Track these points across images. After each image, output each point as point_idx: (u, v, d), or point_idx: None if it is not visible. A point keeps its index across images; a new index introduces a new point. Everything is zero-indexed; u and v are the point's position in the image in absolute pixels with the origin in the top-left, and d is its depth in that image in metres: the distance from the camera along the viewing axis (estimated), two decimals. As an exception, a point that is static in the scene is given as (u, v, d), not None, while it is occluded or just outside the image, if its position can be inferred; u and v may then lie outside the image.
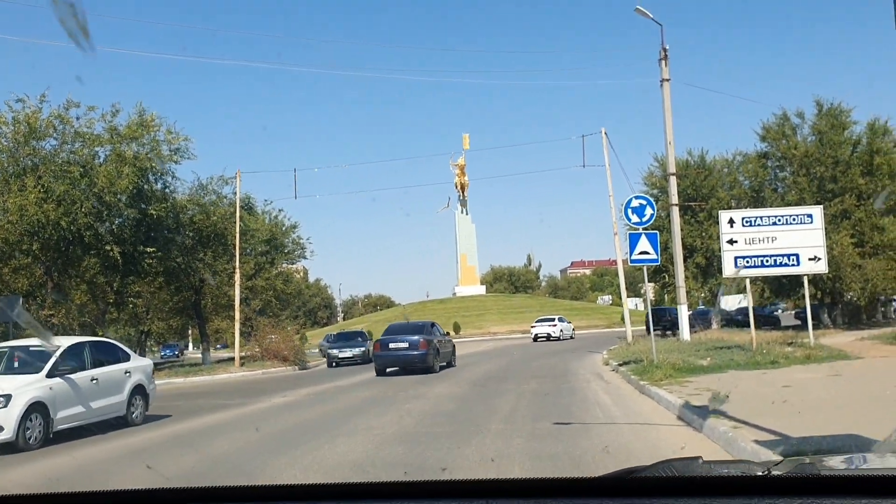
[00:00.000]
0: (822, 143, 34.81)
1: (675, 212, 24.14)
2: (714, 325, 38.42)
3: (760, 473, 1.90)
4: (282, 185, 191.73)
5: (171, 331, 33.22)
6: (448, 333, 30.34)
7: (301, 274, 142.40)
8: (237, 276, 28.23)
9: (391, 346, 22.37)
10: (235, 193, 29.44)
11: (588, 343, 38.32)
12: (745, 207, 36.61)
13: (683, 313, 24.09)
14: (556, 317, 52.89)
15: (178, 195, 27.93)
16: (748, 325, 40.00)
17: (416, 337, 22.34)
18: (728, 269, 17.99)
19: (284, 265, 41.33)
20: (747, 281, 21.08)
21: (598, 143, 26.84)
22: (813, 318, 43.93)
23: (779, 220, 17.84)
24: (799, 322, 48.52)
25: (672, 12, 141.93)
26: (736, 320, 43.25)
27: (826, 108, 35.64)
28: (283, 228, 40.91)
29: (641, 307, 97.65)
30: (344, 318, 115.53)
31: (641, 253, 16.21)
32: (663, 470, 1.97)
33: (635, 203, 16.48)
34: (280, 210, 40.91)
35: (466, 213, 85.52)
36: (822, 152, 34.42)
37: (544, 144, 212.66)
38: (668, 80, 22.85)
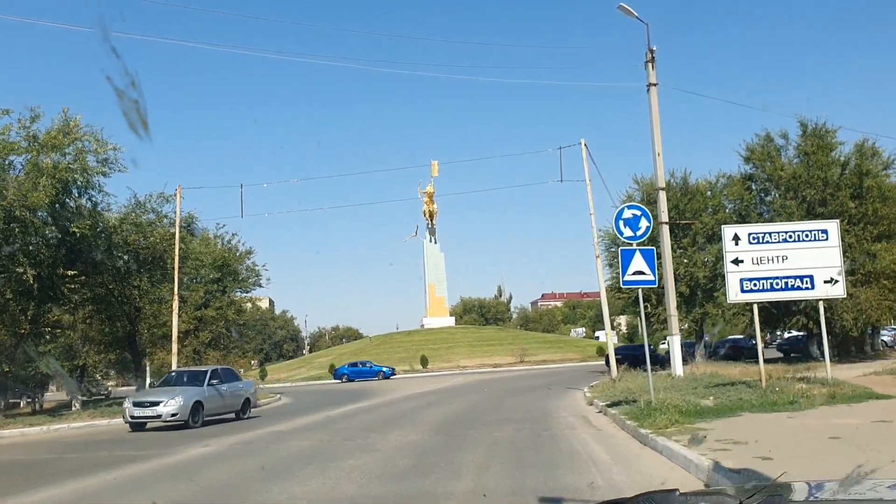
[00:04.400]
0: (808, 165, 32.93)
1: (665, 231, 21.75)
2: (698, 359, 36.04)
3: None
4: (235, 208, 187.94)
5: (110, 364, 29.80)
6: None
7: (266, 305, 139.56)
8: (175, 305, 25.16)
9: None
10: (176, 213, 26.50)
11: (564, 378, 35.66)
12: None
13: (676, 345, 21.62)
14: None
15: (112, 213, 24.91)
16: (734, 359, 38.02)
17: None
18: (733, 294, 15.48)
19: (239, 294, 38.27)
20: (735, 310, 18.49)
21: (577, 156, 24.40)
22: (800, 351, 42.09)
23: (790, 237, 15.39)
24: (781, 355, 46.50)
25: (660, 11, 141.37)
26: (719, 353, 40.99)
27: (811, 128, 33.85)
28: (238, 254, 38.00)
29: (615, 340, 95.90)
30: (311, 351, 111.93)
31: (636, 273, 13.65)
32: (645, 501, 2.02)
33: (628, 214, 13.94)
34: (234, 234, 38.02)
35: (435, 242, 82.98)
36: (810, 174, 32.48)
37: (518, 159, 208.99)
38: (655, 84, 20.56)
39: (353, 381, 51.43)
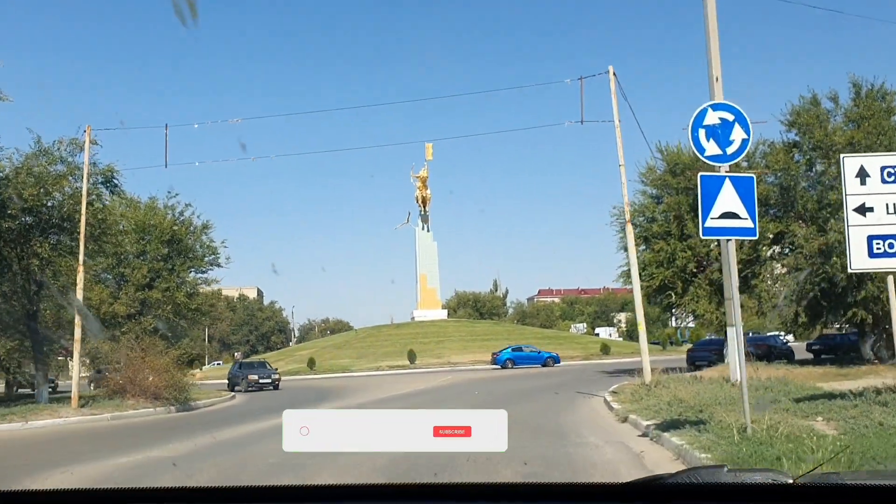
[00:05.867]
0: (867, 131, 27.59)
1: None
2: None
3: (789, 481, 1.85)
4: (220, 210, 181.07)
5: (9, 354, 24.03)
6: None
7: (254, 295, 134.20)
8: (80, 278, 19.63)
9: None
10: (92, 164, 21.01)
11: (571, 379, 30.25)
12: (775, 208, 29.21)
13: (737, 339, 16.14)
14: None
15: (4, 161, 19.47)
16: (763, 359, 32.68)
17: None
18: (859, 259, 10.01)
19: (194, 274, 32.76)
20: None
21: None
22: (851, 350, 36.45)
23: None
24: (811, 355, 41.18)
25: None
26: (749, 353, 35.59)
27: (866, 89, 28.54)
28: (192, 228, 32.48)
29: (616, 337, 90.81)
30: (300, 343, 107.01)
31: (725, 216, 8.23)
32: (689, 477, 1.95)
33: (713, 118, 8.48)
34: (187, 205, 32.45)
35: (428, 230, 77.50)
36: (871, 140, 27.09)
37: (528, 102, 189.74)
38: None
39: (517, 366, 46.26)
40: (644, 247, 30.48)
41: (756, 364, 29.17)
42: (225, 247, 33.02)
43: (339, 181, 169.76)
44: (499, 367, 47.16)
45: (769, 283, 29.85)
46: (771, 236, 28.78)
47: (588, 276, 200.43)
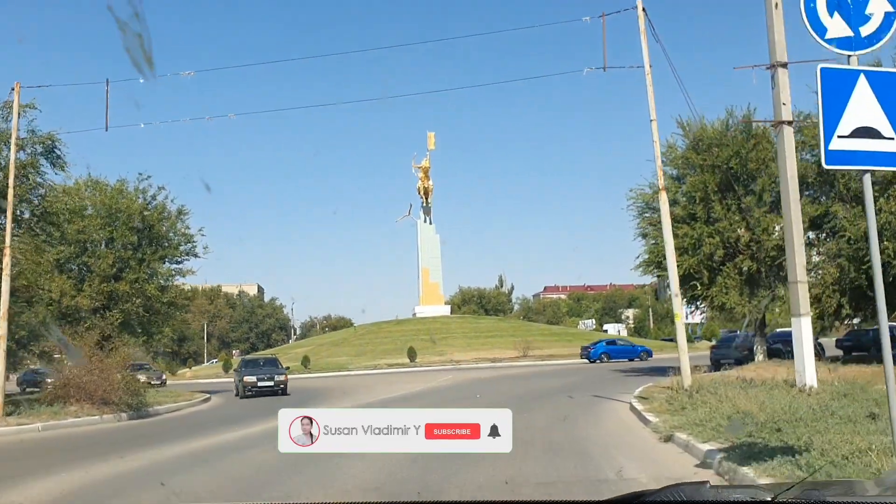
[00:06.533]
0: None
1: (789, 135, 13.15)
2: (760, 357, 27.59)
3: (768, 499, 1.86)
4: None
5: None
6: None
7: (255, 292, 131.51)
8: (6, 261, 16.59)
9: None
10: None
11: (584, 379, 27.20)
12: (813, 188, 26.05)
13: (805, 333, 13.20)
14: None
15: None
16: (792, 356, 29.63)
17: None
18: None
19: (168, 265, 29.76)
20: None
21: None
22: (865, 348, 33.37)
23: None
24: (840, 352, 38.02)
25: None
26: (775, 350, 32.37)
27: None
28: (166, 214, 29.48)
29: (624, 333, 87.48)
30: (301, 340, 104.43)
31: (858, 133, 5.16)
32: (672, 494, 1.93)
33: (838, -20, 5.39)
34: (160, 189, 29.44)
35: (430, 223, 74.42)
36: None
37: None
38: None
39: (612, 360, 44.05)
40: (665, 233, 27.37)
41: (784, 363, 26.20)
42: (203, 234, 30.01)
43: (339, 175, 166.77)
44: (591, 361, 44.98)
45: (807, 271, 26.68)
46: (808, 220, 25.60)
47: (594, 273, 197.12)
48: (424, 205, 74.30)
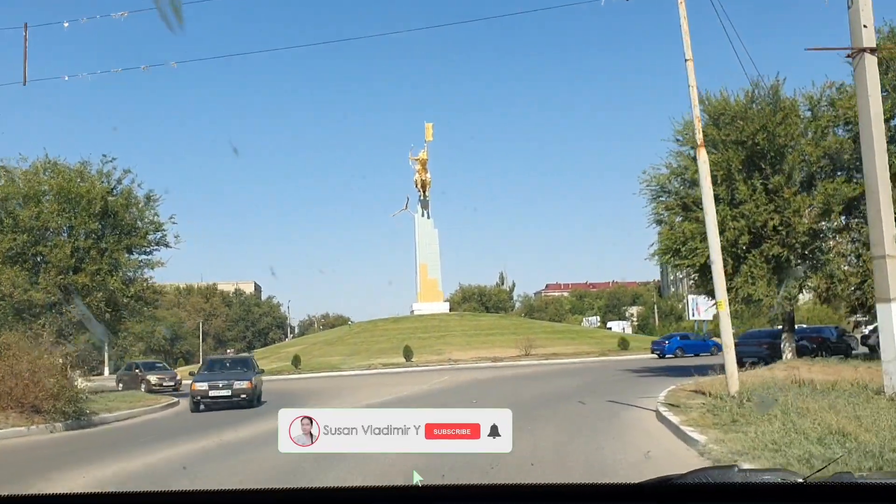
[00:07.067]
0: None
1: (871, 65, 10.36)
2: (788, 355, 24.89)
3: (800, 481, 1.85)
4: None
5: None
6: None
7: (251, 290, 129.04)
8: None
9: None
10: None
11: (594, 381, 24.49)
12: (845, 166, 23.34)
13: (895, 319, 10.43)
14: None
15: None
16: (817, 354, 26.91)
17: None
18: None
19: (136, 256, 27.09)
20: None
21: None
22: None
23: None
24: (865, 349, 35.35)
25: None
26: (803, 347, 29.60)
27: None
28: (133, 199, 26.81)
29: (628, 331, 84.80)
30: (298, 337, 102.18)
31: None
32: (700, 477, 1.94)
33: None
34: (126, 171, 26.77)
35: (428, 217, 71.70)
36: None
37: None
38: None
39: (687, 355, 42.04)
40: (681, 217, 24.69)
41: (818, 361, 23.56)
42: (174, 222, 27.33)
43: (336, 169, 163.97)
44: (662, 357, 43.11)
45: (839, 258, 24.00)
46: (843, 203, 22.87)
47: (597, 270, 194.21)
48: (422, 198, 71.63)
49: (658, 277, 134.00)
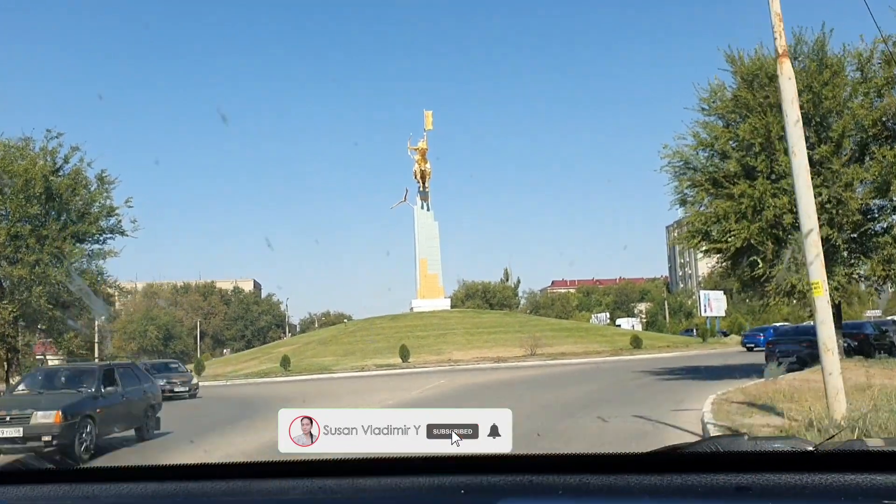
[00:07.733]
0: None
1: None
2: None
3: (810, 449, 1.79)
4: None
5: None
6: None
7: (250, 287, 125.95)
8: None
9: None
10: None
11: (610, 386, 21.10)
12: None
13: None
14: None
15: None
16: (864, 353, 23.51)
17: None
18: None
19: (88, 245, 23.81)
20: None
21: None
22: None
23: None
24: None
25: None
26: (845, 346, 26.12)
27: None
28: (80, 181, 23.49)
29: (638, 328, 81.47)
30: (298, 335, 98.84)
31: None
32: (709, 446, 1.90)
33: None
34: (73, 149, 23.46)
35: (428, 209, 68.27)
36: None
37: None
38: None
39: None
40: (711, 196, 21.28)
41: (873, 362, 20.27)
42: (129, 206, 24.03)
43: (337, 171, 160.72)
44: (750, 351, 40.31)
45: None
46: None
47: (603, 266, 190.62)
48: (421, 190, 68.20)
49: (666, 273, 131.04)
